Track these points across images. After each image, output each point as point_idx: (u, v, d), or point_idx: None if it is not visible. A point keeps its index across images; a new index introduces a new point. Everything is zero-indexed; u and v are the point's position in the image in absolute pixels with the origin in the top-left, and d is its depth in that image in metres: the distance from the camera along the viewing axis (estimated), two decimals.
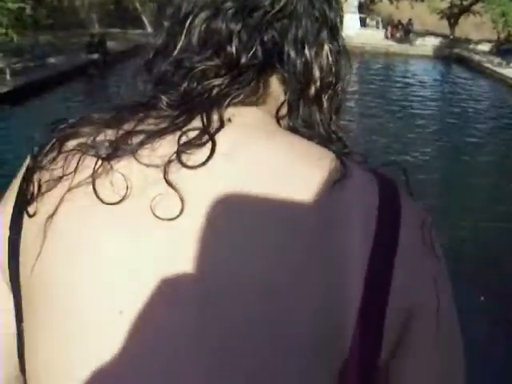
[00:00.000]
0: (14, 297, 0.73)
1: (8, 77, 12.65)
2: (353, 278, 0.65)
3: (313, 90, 0.76)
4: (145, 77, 0.76)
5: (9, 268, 0.73)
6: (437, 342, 0.70)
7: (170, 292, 0.65)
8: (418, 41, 26.23)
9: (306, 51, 0.74)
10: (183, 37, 0.72)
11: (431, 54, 24.16)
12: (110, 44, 18.52)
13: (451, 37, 27.11)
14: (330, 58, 0.76)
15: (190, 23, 0.72)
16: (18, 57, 14.63)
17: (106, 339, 0.65)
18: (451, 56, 23.11)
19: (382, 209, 0.67)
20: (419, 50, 24.57)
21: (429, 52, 24.31)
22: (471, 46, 24.98)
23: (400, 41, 26.27)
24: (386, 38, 27.11)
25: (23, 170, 0.75)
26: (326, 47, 0.76)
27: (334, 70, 0.77)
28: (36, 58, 15.01)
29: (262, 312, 0.64)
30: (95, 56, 16.75)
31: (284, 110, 0.75)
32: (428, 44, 25.46)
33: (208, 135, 0.67)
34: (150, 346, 0.65)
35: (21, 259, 0.72)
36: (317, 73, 0.75)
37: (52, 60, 15.44)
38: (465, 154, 10.09)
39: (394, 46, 25.26)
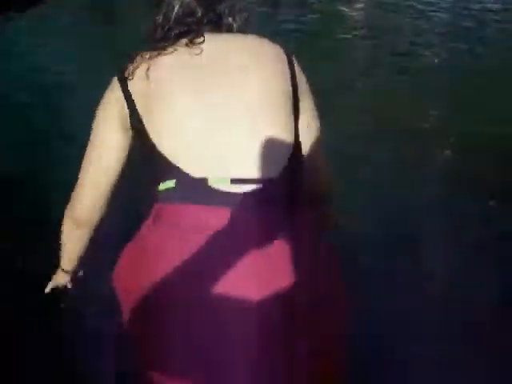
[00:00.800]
0: (132, 112, 1.57)
1: None
2: (285, 79, 1.60)
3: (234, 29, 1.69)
4: (154, 30, 1.66)
5: (129, 109, 1.57)
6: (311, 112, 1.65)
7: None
8: None
9: (229, 18, 1.66)
10: (175, 11, 1.62)
11: None
12: None
13: None
14: (241, 19, 1.71)
15: (180, 6, 1.63)
16: None
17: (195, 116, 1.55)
18: None
19: (288, 56, 1.65)
20: None
21: None
22: None
23: None
24: None
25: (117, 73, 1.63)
26: (238, 14, 1.70)
27: (245, 23, 1.71)
28: None
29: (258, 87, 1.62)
30: None
31: None
32: None
33: (200, 33, 1.60)
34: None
35: (133, 97, 1.57)
36: (235, 25, 1.68)
37: None
38: None
39: None
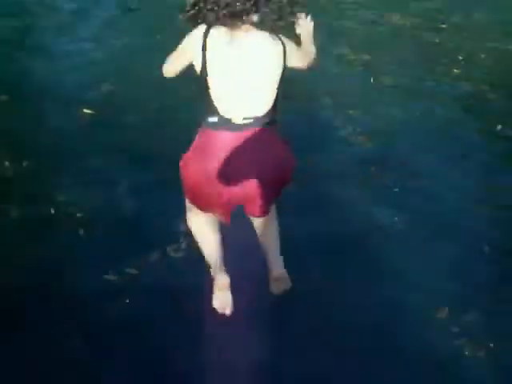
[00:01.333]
0: (203, 60, 2.81)
1: None
2: (279, 57, 2.90)
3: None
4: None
5: (202, 51, 2.80)
6: (297, 52, 3.08)
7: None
8: None
9: (264, 7, 2.84)
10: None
11: None
12: None
13: None
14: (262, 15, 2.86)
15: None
16: None
17: (231, 71, 2.87)
18: None
19: (281, 42, 2.96)
20: None
21: None
22: None
23: None
24: None
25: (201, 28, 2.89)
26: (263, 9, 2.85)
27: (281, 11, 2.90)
28: None
29: (260, 65, 2.89)
30: None
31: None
32: None
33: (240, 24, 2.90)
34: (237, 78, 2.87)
35: (208, 47, 2.80)
36: (256, 18, 2.86)
37: None
38: None
39: None
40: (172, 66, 3.01)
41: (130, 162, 5.05)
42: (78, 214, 4.40)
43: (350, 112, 6.28)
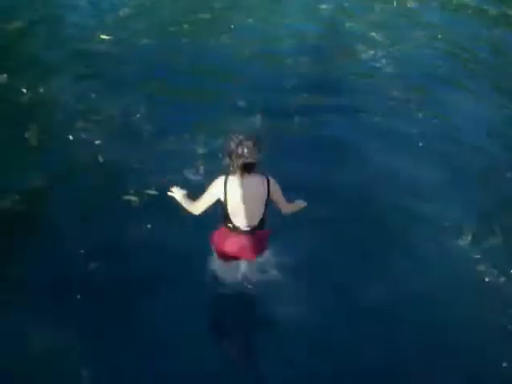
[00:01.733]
0: (225, 198, 3.94)
1: None
2: (265, 192, 3.98)
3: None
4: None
5: (224, 193, 3.95)
6: (280, 195, 4.08)
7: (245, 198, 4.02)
8: None
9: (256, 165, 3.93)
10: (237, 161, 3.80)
11: None
12: None
13: None
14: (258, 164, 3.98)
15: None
16: None
17: (244, 207, 4.06)
18: None
19: (267, 181, 3.99)
20: None
21: None
22: None
23: None
24: None
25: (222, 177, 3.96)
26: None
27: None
28: None
29: (255, 198, 4.02)
30: None
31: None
32: None
33: (247, 172, 3.91)
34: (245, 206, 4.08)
35: (227, 190, 3.98)
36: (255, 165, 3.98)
37: None
38: None
39: None
40: (200, 205, 4.05)
41: (146, 88, 5.01)
42: (97, 142, 4.40)
43: (373, 34, 6.17)
